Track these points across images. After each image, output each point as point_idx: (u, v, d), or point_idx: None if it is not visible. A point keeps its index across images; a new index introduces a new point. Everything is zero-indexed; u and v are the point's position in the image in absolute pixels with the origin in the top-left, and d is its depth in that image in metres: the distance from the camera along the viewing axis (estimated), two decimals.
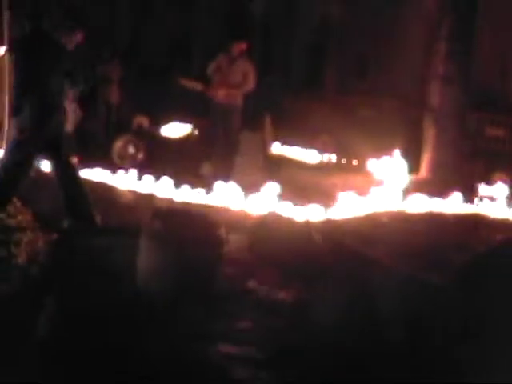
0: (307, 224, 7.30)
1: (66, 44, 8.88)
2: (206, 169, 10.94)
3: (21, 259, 5.74)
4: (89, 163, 9.80)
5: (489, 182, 11.58)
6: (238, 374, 4.34)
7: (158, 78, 17.04)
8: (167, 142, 14.21)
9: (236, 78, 11.34)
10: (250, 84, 11.37)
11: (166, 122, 15.18)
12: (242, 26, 17.28)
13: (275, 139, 13.54)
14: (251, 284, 5.78)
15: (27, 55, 6.68)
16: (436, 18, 12.25)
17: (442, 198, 9.75)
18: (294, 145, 14.36)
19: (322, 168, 12.84)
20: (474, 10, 11.70)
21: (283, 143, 14.30)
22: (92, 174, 9.55)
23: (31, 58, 6.65)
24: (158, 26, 18.09)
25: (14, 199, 7.27)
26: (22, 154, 6.77)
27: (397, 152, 12.12)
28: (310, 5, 18.08)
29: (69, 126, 10.07)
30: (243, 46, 11.38)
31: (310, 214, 8.35)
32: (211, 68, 11.43)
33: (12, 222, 6.62)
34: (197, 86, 11.51)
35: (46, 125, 6.69)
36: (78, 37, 10.06)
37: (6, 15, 7.80)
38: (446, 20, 11.67)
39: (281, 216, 7.19)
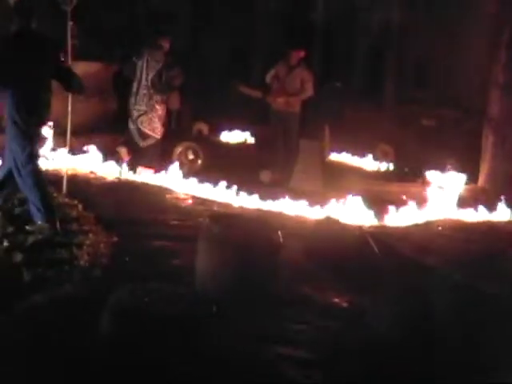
0: (363, 230, 7.36)
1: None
2: (264, 175, 11.08)
3: (83, 261, 5.87)
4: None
5: None
6: (291, 375, 4.43)
7: (218, 85, 17.25)
8: (227, 148, 14.35)
9: (294, 86, 11.53)
10: (308, 91, 11.56)
11: (226, 128, 15.36)
12: (302, 34, 17.36)
13: (334, 147, 13.61)
14: (307, 288, 5.86)
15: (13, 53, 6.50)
16: (497, 24, 12.15)
17: (499, 207, 9.69)
18: (352, 153, 14.35)
19: (380, 176, 12.83)
20: None
21: (342, 151, 14.30)
22: (152, 178, 9.78)
23: (16, 55, 6.49)
24: (218, 33, 18.27)
25: (77, 203, 7.51)
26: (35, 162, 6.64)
27: (455, 162, 12.16)
28: (370, 11, 18.03)
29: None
30: (301, 54, 11.57)
31: (367, 220, 8.44)
32: (269, 76, 11.65)
33: (74, 225, 6.78)
34: (256, 94, 11.70)
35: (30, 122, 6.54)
36: (166, 45, 10.44)
37: None
38: (508, 26, 11.53)
39: (338, 221, 7.26)
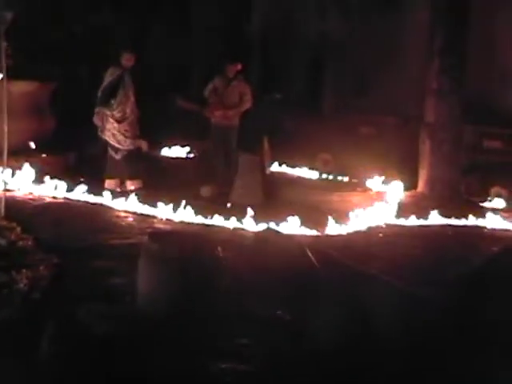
0: (303, 241, 7.43)
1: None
2: (205, 191, 11.13)
3: (22, 284, 5.82)
4: (89, 185, 10.11)
5: (486, 196, 11.74)
6: None
7: (156, 100, 17.22)
8: (167, 163, 14.33)
9: (232, 99, 11.63)
10: (247, 104, 11.67)
11: (166, 144, 15.34)
12: (238, 47, 17.46)
13: (274, 159, 13.69)
14: (248, 301, 5.91)
15: None
16: (430, 33, 12.38)
17: (439, 212, 9.88)
18: (293, 164, 14.46)
19: (320, 186, 12.95)
20: (464, 23, 11.78)
21: (282, 162, 14.41)
22: (91, 197, 9.74)
23: None
24: (156, 47, 18.26)
25: (15, 225, 7.45)
26: None
27: (395, 169, 12.36)
28: (307, 21, 18.19)
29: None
30: (238, 67, 11.68)
31: (306, 230, 8.53)
32: (208, 90, 11.73)
33: (13, 247, 6.74)
34: (193, 107, 11.76)
35: None
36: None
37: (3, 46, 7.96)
38: (438, 34, 11.77)
39: (277, 233, 7.32)
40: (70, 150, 12.59)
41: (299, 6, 16.57)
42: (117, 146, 10.87)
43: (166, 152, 15.24)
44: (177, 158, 15.05)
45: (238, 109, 11.70)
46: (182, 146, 15.58)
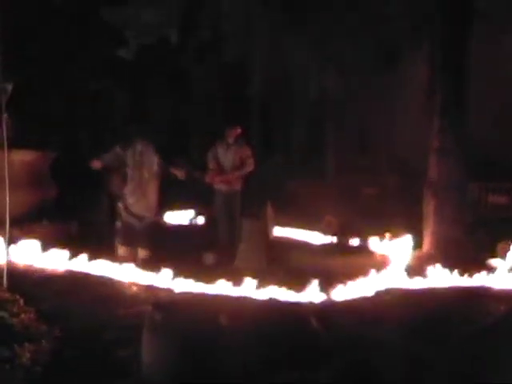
0: (308, 308, 7.43)
1: None
2: (208, 258, 11.13)
3: (24, 359, 5.82)
4: (92, 255, 10.06)
5: (493, 253, 11.70)
6: None
7: None
8: (170, 229, 14.36)
9: (233, 164, 11.72)
10: (249, 167, 11.76)
11: (169, 209, 15.38)
12: (238, 111, 17.66)
13: (277, 223, 13.71)
14: (252, 369, 5.85)
15: None
16: (429, 92, 12.52)
17: (446, 271, 9.86)
18: (296, 227, 14.46)
19: (324, 249, 12.93)
20: (463, 80, 11.86)
21: (286, 226, 14.41)
22: (95, 267, 9.74)
23: None
24: (155, 116, 18.46)
25: (17, 297, 7.45)
26: None
27: (400, 229, 12.35)
28: (306, 81, 18.41)
29: None
30: (237, 130, 11.80)
31: (311, 296, 8.51)
32: (209, 156, 11.83)
33: (15, 320, 6.73)
34: (193, 174, 11.80)
35: None
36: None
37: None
38: (437, 92, 11.88)
39: (281, 302, 7.33)
40: (72, 218, 12.67)
41: (298, 66, 16.78)
42: (142, 214, 10.99)
43: (169, 217, 15.28)
44: (180, 224, 15.09)
45: (238, 172, 11.79)
46: (186, 211, 15.66)
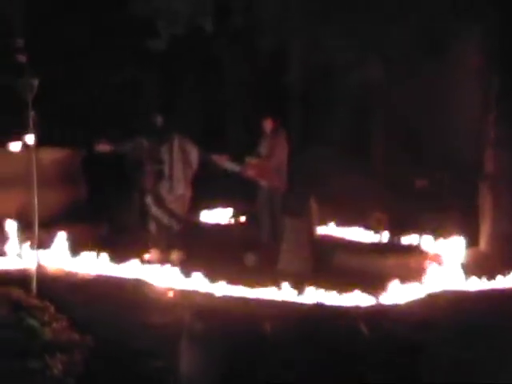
0: (356, 313, 7.39)
1: None
2: (249, 259, 11.11)
3: (56, 370, 5.85)
4: (125, 258, 10.13)
5: None
6: None
7: None
8: (207, 229, 14.36)
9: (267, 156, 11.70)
10: (273, 158, 11.66)
11: (206, 207, 15.37)
12: (275, 100, 17.62)
13: (322, 220, 13.63)
14: (296, 378, 5.87)
15: None
16: (484, 78, 12.37)
17: (504, 272, 9.73)
18: (344, 225, 14.36)
19: (373, 248, 12.83)
20: None
21: (331, 224, 14.32)
22: (128, 271, 9.79)
23: None
24: (189, 106, 18.48)
25: (48, 304, 7.49)
26: None
27: (455, 226, 12.20)
28: (349, 69, 18.28)
29: None
30: (273, 121, 11.76)
31: (359, 300, 8.46)
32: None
33: (46, 329, 6.77)
34: (224, 160, 11.73)
35: None
36: None
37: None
38: (493, 81, 11.72)
39: (328, 307, 7.30)
40: (103, 219, 12.73)
41: (340, 54, 16.70)
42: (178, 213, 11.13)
43: (206, 216, 15.27)
44: (218, 223, 15.09)
45: (266, 163, 11.72)
46: (225, 208, 15.63)
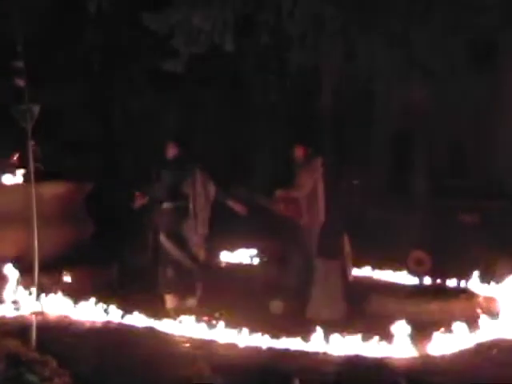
0: (397, 367, 7.36)
1: None
2: (275, 306, 11.08)
3: None
4: (136, 306, 10.14)
5: None
6: None
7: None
8: (228, 271, 14.35)
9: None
10: (295, 188, 11.58)
11: (226, 247, 15.35)
12: (306, 125, 17.67)
13: (356, 260, 13.55)
14: None
15: None
16: None
17: None
18: (381, 266, 14.26)
19: (416, 293, 12.73)
20: None
21: (367, 265, 14.24)
22: (139, 320, 9.78)
23: None
24: (214, 136, 18.59)
25: (49, 358, 7.50)
26: None
27: (508, 266, 12.11)
28: (387, 90, 18.31)
29: None
30: (303, 150, 11.74)
31: (401, 352, 8.41)
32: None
33: None
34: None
35: None
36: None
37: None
38: None
39: (366, 359, 7.28)
40: (112, 261, 12.74)
41: (377, 74, 16.73)
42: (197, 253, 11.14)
43: (226, 257, 15.25)
44: (240, 264, 15.06)
45: (290, 194, 11.68)
46: (248, 248, 15.62)
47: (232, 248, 15.40)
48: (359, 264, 13.86)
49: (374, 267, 14.29)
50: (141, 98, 17.40)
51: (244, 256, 15.47)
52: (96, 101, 16.46)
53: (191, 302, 10.90)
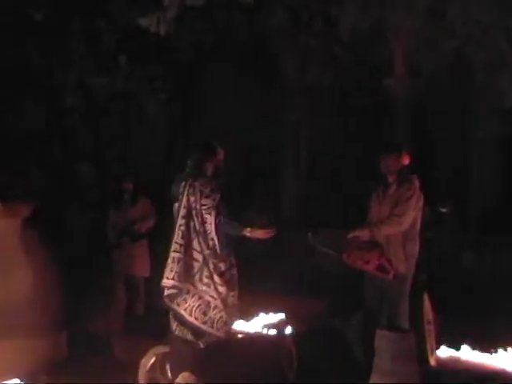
0: None
1: None
2: None
3: None
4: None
5: None
6: None
7: None
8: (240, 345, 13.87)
9: (379, 218, 11.48)
10: (407, 220, 11.21)
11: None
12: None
13: (445, 332, 13.21)
14: None
15: None
16: None
17: None
18: (480, 345, 13.65)
19: None
20: None
21: (465, 341, 13.70)
22: None
23: None
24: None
25: None
26: None
27: None
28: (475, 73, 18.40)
29: None
30: (400, 160, 11.38)
31: None
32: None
33: None
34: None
35: None
36: None
37: None
38: None
39: None
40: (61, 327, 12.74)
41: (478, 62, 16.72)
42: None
43: (239, 325, 14.81)
44: (258, 336, 14.65)
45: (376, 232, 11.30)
46: (275, 313, 15.52)
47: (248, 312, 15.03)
48: (452, 338, 13.53)
49: (474, 345, 13.75)
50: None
51: (259, 324, 15.20)
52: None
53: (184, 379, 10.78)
